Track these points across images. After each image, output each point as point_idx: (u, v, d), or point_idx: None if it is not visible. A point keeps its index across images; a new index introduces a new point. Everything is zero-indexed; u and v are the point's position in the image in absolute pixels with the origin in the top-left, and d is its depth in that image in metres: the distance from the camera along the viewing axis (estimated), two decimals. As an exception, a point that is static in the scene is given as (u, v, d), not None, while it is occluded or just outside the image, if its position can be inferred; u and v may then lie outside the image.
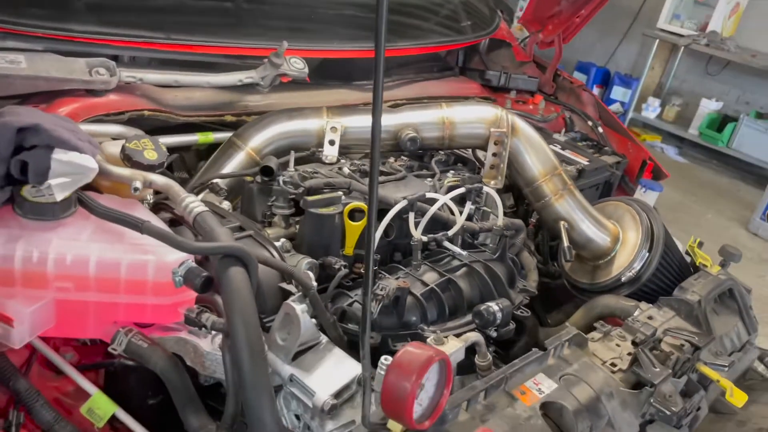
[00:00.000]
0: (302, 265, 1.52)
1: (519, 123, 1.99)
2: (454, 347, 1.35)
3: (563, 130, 2.67)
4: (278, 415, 1.21)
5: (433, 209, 1.63)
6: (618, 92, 8.31)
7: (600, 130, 2.77)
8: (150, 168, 1.48)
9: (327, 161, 1.84)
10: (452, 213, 1.74)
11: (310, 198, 1.56)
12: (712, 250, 2.17)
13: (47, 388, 1.36)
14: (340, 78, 2.30)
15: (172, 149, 1.90)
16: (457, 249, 1.69)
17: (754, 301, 5.22)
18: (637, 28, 8.21)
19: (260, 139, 1.86)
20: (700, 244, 2.12)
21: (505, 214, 2.20)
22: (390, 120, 1.94)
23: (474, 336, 1.41)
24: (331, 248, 1.61)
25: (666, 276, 2.01)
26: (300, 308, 1.38)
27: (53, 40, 1.66)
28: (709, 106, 7.66)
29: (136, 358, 1.33)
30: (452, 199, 1.73)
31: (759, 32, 7.43)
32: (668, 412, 1.42)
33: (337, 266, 1.52)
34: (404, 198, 1.61)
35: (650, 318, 1.77)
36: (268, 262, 1.42)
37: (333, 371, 1.38)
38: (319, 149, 1.87)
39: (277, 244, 1.55)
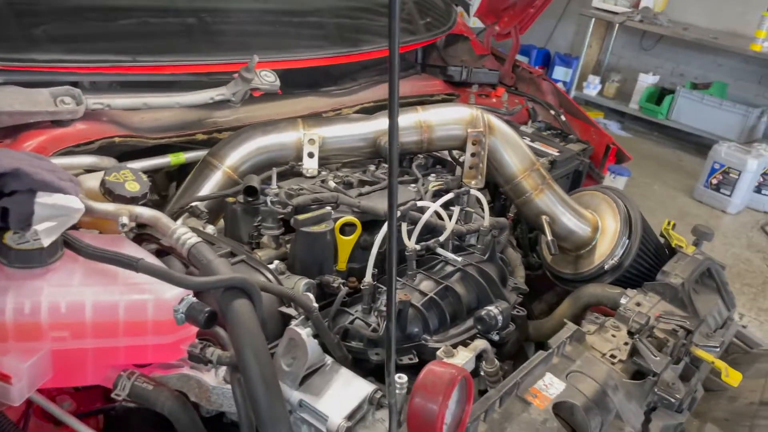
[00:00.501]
0: (300, 286, 1.48)
1: (495, 122, 1.99)
2: (465, 358, 1.35)
3: (529, 122, 2.69)
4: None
5: (425, 217, 1.62)
6: (559, 72, 8.47)
7: (563, 118, 2.81)
8: (133, 200, 1.42)
9: (308, 174, 1.81)
10: (440, 218, 1.73)
11: (300, 217, 1.53)
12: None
13: (48, 440, 1.30)
14: (306, 86, 2.26)
15: (144, 173, 1.84)
16: (450, 255, 1.68)
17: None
18: (573, 8, 8.38)
19: (236, 156, 1.81)
20: (674, 227, 2.18)
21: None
22: (367, 127, 1.92)
23: (481, 344, 1.41)
24: (325, 265, 1.58)
25: (646, 260, 2.06)
26: (305, 332, 1.35)
27: (13, 72, 1.57)
28: (646, 80, 7.89)
29: (141, 402, 1.28)
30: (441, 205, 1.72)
31: (689, 6, 7.69)
32: (673, 400, 1.45)
33: (335, 284, 1.50)
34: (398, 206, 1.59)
35: (638, 305, 1.81)
36: (267, 288, 1.38)
37: (343, 393, 1.36)
38: (299, 163, 1.83)
39: (271, 266, 1.51)
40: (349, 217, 1.59)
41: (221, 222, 1.76)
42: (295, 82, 2.24)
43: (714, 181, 6.23)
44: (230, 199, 1.69)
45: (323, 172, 1.84)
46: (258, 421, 1.16)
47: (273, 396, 1.17)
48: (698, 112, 7.46)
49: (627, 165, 2.85)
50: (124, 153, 1.81)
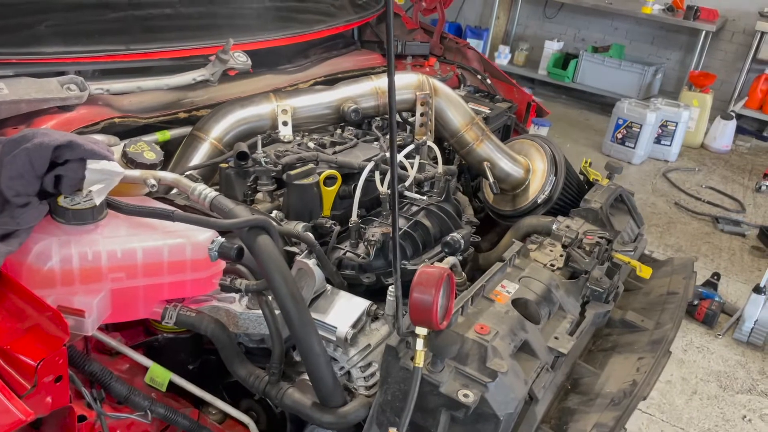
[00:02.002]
0: (299, 228, 1.78)
1: (438, 85, 2.33)
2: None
3: (461, 86, 3.05)
4: (325, 349, 1.49)
5: (395, 165, 1.94)
6: (472, 44, 8.89)
7: (488, 81, 3.18)
8: (153, 167, 1.68)
9: (285, 140, 2.09)
10: (403, 168, 2.06)
11: (292, 172, 1.82)
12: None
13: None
14: (266, 66, 2.52)
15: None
16: (417, 196, 2.02)
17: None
18: (479, -19, 8.84)
19: (220, 128, 2.07)
20: (590, 164, 2.59)
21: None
22: (331, 96, 2.22)
23: (452, 259, 1.76)
24: (314, 213, 1.88)
25: (570, 193, 2.46)
26: (311, 262, 1.66)
27: (22, 64, 1.77)
28: (552, 47, 8.45)
29: (187, 327, 1.55)
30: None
31: (585, -26, 8.27)
32: (601, 290, 1.85)
33: (328, 225, 1.81)
34: (368, 159, 1.90)
35: (568, 227, 2.21)
36: (282, 230, 1.68)
37: (345, 309, 1.67)
38: (275, 131, 2.11)
39: (272, 215, 1.80)
40: (331, 171, 1.90)
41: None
42: (256, 63, 2.50)
43: (619, 136, 6.82)
44: (223, 165, 1.95)
45: (297, 137, 2.13)
46: (290, 328, 1.46)
47: (301, 307, 1.47)
48: (600, 74, 8.07)
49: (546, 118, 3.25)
50: (121, 133, 2.03)
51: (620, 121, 6.79)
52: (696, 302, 4.23)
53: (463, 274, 1.80)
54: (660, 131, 6.92)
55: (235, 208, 1.56)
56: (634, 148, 6.76)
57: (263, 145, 2.00)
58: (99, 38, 1.90)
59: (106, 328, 1.64)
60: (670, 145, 6.97)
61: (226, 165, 1.94)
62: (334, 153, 2.02)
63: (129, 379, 1.57)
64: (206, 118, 2.08)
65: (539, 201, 2.40)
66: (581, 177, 2.60)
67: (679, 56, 8.20)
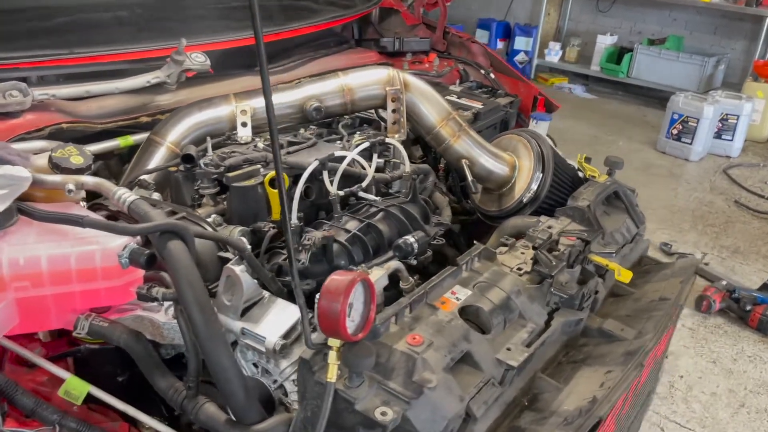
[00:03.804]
0: (235, 233, 1.70)
1: (410, 79, 2.20)
2: (377, 275, 1.56)
3: (458, 82, 2.90)
4: (235, 359, 1.40)
5: (343, 165, 1.83)
6: (521, 42, 8.66)
7: (492, 76, 3.01)
8: (79, 171, 1.63)
9: (242, 142, 2.01)
10: (363, 168, 1.94)
11: (231, 174, 1.73)
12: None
13: (23, 381, 1.50)
14: (242, 66, 2.46)
15: (95, 157, 2.04)
16: (371, 197, 1.89)
17: (669, 212, 5.64)
18: (528, -22, 8.59)
19: (177, 132, 2.01)
20: (588, 159, 2.39)
21: (416, 163, 2.43)
22: (294, 95, 2.13)
23: (394, 264, 1.63)
24: (259, 216, 1.79)
25: (561, 191, 2.27)
26: (239, 269, 1.57)
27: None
28: (605, 41, 8.10)
29: (99, 338, 1.49)
30: (363, 156, 1.93)
31: (640, -36, 7.90)
32: (565, 296, 1.67)
33: (265, 229, 1.71)
34: (315, 159, 1.80)
35: (549, 227, 2.03)
36: (203, 235, 1.60)
37: (278, 318, 1.57)
38: (234, 132, 2.04)
39: (209, 220, 1.72)
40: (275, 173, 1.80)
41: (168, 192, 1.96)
42: (231, 64, 2.44)
43: (674, 131, 6.44)
44: (172, 169, 1.89)
45: (257, 139, 2.04)
46: (197, 339, 1.37)
47: (208, 316, 1.37)
48: (657, 67, 7.67)
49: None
50: (76, 139, 2.00)
51: (675, 116, 6.41)
52: (749, 308, 3.91)
53: (410, 279, 1.66)
54: (720, 125, 6.49)
55: (150, 212, 1.49)
56: (691, 144, 6.37)
57: (215, 148, 1.93)
58: (42, 43, 1.88)
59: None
60: (731, 140, 6.53)
61: (175, 169, 1.88)
62: (287, 153, 1.93)
63: (49, 392, 1.52)
64: (164, 122, 2.03)
65: (525, 200, 2.22)
66: (581, 174, 2.40)
67: (743, 45, 7.69)
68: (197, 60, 2.07)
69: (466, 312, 1.60)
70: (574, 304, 1.75)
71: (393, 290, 1.71)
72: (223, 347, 1.37)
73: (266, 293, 1.63)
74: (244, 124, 2.05)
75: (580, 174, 2.41)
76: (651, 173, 6.14)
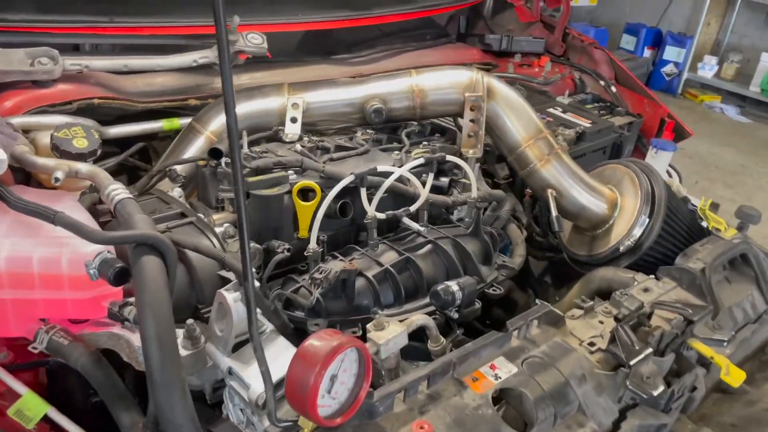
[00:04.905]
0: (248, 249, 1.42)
1: (497, 85, 1.82)
2: (394, 332, 1.23)
3: (567, 92, 2.47)
4: (193, 414, 1.12)
5: (386, 184, 1.50)
6: (671, 52, 7.86)
7: (613, 89, 2.56)
8: (79, 156, 1.42)
9: (287, 140, 1.74)
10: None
11: (251, 179, 1.46)
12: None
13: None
14: (318, 53, 2.19)
15: (136, 137, 1.85)
16: (415, 225, 1.55)
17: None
18: (690, -19, 7.75)
19: (219, 122, 1.77)
20: (714, 206, 1.91)
21: (499, 185, 2.06)
22: (354, 92, 1.82)
23: (421, 319, 1.29)
24: (282, 231, 1.51)
25: (673, 243, 1.81)
26: (232, 297, 1.29)
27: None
28: (770, 60, 7.15)
29: (58, 356, 1.27)
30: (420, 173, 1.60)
31: (823, -25, 6.88)
32: (645, 396, 1.25)
33: (280, 250, 1.42)
34: (351, 173, 1.48)
35: (646, 290, 1.60)
36: (199, 249, 1.34)
37: (272, 362, 1.28)
38: (281, 128, 1.77)
39: (221, 229, 1.46)
40: (307, 182, 1.51)
41: None
42: (307, 48, 2.18)
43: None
44: (201, 163, 1.65)
45: (305, 138, 1.76)
46: (149, 380, 1.11)
47: (166, 358, 1.10)
48: (833, 94, 6.67)
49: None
50: (117, 117, 1.82)
51: None
52: None
53: (441, 339, 1.31)
54: None
55: (134, 218, 1.25)
56: None
57: (252, 144, 1.67)
58: (80, 8, 1.69)
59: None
60: None
61: (204, 163, 1.64)
62: (329, 160, 1.63)
63: (3, 406, 1.32)
64: (207, 108, 1.80)
65: (622, 248, 1.79)
66: (704, 224, 1.92)
67: None
68: (253, 42, 1.82)
69: (507, 396, 1.24)
70: (658, 404, 1.33)
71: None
72: (177, 398, 1.10)
73: (269, 327, 1.35)
74: (293, 120, 1.78)
75: (703, 224, 1.93)
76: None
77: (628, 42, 8.18)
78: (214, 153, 1.61)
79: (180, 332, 1.27)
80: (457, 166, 1.76)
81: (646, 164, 1.88)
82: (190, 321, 1.27)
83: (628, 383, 1.28)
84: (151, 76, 1.89)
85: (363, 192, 1.50)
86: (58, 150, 1.40)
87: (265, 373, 1.01)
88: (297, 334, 1.39)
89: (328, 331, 1.06)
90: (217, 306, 1.31)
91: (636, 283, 1.63)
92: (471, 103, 1.79)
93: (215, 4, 0.79)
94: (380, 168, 1.52)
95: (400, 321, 1.26)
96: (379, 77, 1.86)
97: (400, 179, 1.59)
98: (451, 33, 2.70)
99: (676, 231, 1.83)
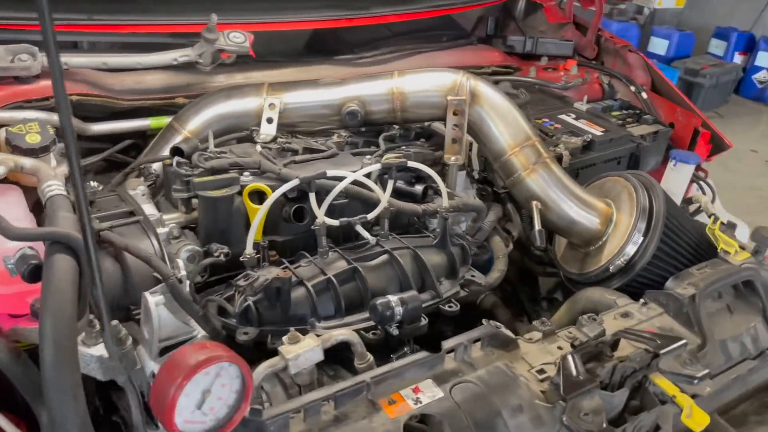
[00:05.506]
0: (182, 252, 1.39)
1: (482, 89, 1.71)
2: (306, 347, 1.16)
3: (585, 98, 2.29)
4: (85, 418, 1.09)
5: (337, 189, 1.43)
6: (764, 58, 7.32)
7: (644, 95, 2.37)
8: (30, 152, 1.43)
9: (259, 140, 1.70)
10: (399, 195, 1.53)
11: (198, 180, 1.43)
12: None
13: None
14: (319, 53, 2.14)
15: (123, 134, 1.86)
16: (366, 234, 1.47)
17: None
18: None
19: (198, 121, 1.76)
20: (730, 226, 1.71)
21: (496, 195, 1.94)
22: (333, 93, 1.76)
23: (343, 334, 1.20)
24: (232, 234, 1.47)
25: (674, 266, 1.63)
26: (154, 300, 1.26)
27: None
28: None
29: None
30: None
31: None
32: (579, 434, 1.12)
33: (216, 254, 1.38)
34: (297, 177, 1.42)
35: (625, 315, 1.45)
36: (128, 249, 1.32)
37: (195, 369, 1.23)
38: (255, 129, 1.73)
39: (165, 230, 1.43)
40: (258, 184, 1.46)
41: None
42: (313, 49, 2.14)
43: None
44: (167, 162, 1.63)
45: (280, 139, 1.71)
46: (43, 381, 1.09)
47: (61, 358, 1.07)
48: None
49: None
50: (113, 114, 1.84)
51: None
52: None
53: (368, 356, 1.22)
54: None
55: (58, 215, 1.24)
56: None
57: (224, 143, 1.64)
58: (59, 6, 1.70)
59: None
60: None
61: (169, 162, 1.62)
62: (291, 162, 1.57)
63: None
64: (187, 107, 1.78)
65: (612, 269, 1.63)
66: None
67: None
68: (234, 40, 1.79)
69: (429, 423, 1.14)
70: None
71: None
72: (70, 404, 1.06)
73: (200, 333, 1.31)
74: (269, 120, 1.74)
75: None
76: None
77: (717, 47, 7.70)
78: (176, 152, 1.59)
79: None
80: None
81: (648, 177, 1.71)
82: (114, 322, 1.24)
83: (564, 418, 1.15)
84: (141, 75, 1.90)
85: (312, 197, 1.43)
86: (10, 145, 1.42)
87: (127, 383, 0.96)
88: (230, 340, 1.34)
89: (205, 344, 1.00)
90: (143, 309, 1.28)
91: (615, 307, 1.49)
92: (453, 107, 1.68)
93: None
94: (331, 173, 1.44)
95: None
96: (360, 79, 1.78)
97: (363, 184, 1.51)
98: (472, 34, 2.58)
99: (678, 252, 1.65)
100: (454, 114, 1.69)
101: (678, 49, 7.53)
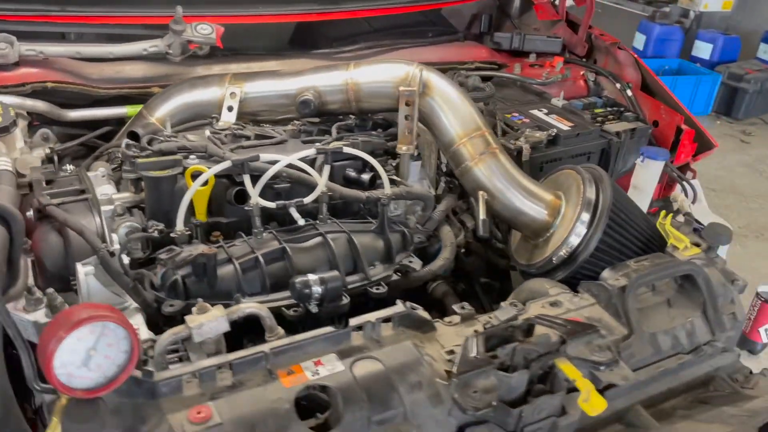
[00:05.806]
0: (120, 228, 1.47)
1: (434, 80, 1.73)
2: (212, 317, 1.21)
3: (562, 94, 2.28)
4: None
5: (270, 172, 1.48)
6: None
7: (629, 93, 2.34)
8: (-17, 132, 1.54)
9: (217, 127, 1.77)
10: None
11: (141, 160, 1.50)
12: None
13: None
14: (306, 47, 2.21)
15: (101, 121, 1.97)
16: (298, 217, 1.52)
17: None
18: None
19: (165, 109, 1.84)
20: (687, 222, 1.69)
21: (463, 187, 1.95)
22: (291, 83, 1.82)
23: (251, 307, 1.25)
24: (174, 213, 1.53)
25: (619, 258, 1.62)
26: (84, 270, 1.34)
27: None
28: None
29: None
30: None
31: None
32: (465, 410, 1.14)
33: (151, 230, 1.45)
34: (229, 160, 1.48)
35: (554, 304, 1.45)
36: (67, 222, 1.40)
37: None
38: (215, 116, 1.80)
39: (110, 207, 1.51)
40: (200, 166, 1.52)
41: None
42: (297, 42, 2.20)
43: None
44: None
45: (233, 126, 1.78)
46: None
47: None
48: None
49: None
50: (94, 102, 1.94)
51: None
52: None
53: (277, 330, 1.27)
54: None
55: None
56: None
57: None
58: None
59: None
60: None
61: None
62: (238, 147, 1.63)
63: None
64: (156, 96, 1.87)
65: (554, 260, 1.63)
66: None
67: None
68: (201, 32, 1.86)
69: (316, 395, 1.17)
70: (506, 423, 1.20)
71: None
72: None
73: (132, 304, 1.38)
74: (230, 109, 1.81)
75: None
76: None
77: (766, 52, 7.42)
78: (132, 135, 1.68)
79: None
80: (393, 162, 1.72)
81: (598, 170, 1.70)
82: (50, 290, 1.32)
83: (454, 395, 1.17)
84: (121, 65, 2.00)
85: (247, 178, 1.49)
86: (-33, 126, 1.53)
87: (17, 337, 1.03)
88: (159, 312, 1.41)
89: (94, 305, 1.06)
90: (77, 278, 1.36)
91: (549, 296, 1.49)
92: (405, 98, 1.71)
93: None
94: (265, 156, 1.50)
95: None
96: (317, 69, 1.83)
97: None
98: (464, 32, 2.61)
99: (625, 246, 1.63)
100: (406, 104, 1.72)
101: (723, 53, 7.30)
